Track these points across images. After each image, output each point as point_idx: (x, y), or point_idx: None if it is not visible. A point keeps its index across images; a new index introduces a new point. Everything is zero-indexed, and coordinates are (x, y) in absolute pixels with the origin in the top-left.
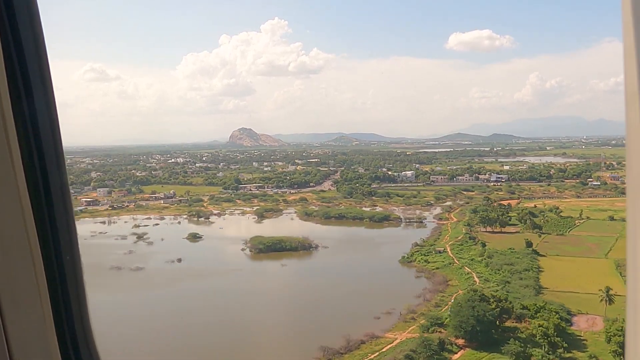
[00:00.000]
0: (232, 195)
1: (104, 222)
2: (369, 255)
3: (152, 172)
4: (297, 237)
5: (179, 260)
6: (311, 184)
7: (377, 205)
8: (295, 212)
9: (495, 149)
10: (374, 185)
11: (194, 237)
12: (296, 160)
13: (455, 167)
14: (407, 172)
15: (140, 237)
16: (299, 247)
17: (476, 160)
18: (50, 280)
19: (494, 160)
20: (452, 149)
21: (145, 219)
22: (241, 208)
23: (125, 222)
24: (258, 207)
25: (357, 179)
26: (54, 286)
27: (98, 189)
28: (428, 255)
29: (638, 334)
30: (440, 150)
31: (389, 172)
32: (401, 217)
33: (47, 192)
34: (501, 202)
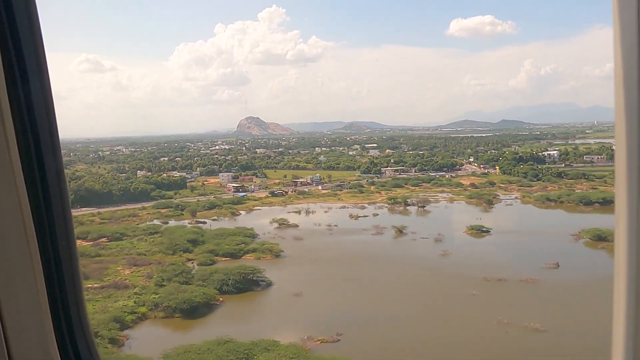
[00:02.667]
0: (391, 180)
1: (298, 212)
2: None
3: (238, 157)
4: None
5: (557, 265)
6: (456, 168)
7: (596, 188)
8: (517, 198)
9: (534, 133)
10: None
11: (480, 231)
12: (365, 145)
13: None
14: (552, 152)
15: (399, 231)
16: None
17: (543, 142)
18: (47, 275)
19: (564, 142)
20: (493, 134)
21: (341, 207)
22: (422, 194)
23: (326, 212)
24: (473, 193)
25: (495, 160)
26: (51, 279)
27: (220, 174)
28: None
29: (624, 330)
30: (466, 135)
31: (534, 152)
32: None
33: (43, 180)
34: None
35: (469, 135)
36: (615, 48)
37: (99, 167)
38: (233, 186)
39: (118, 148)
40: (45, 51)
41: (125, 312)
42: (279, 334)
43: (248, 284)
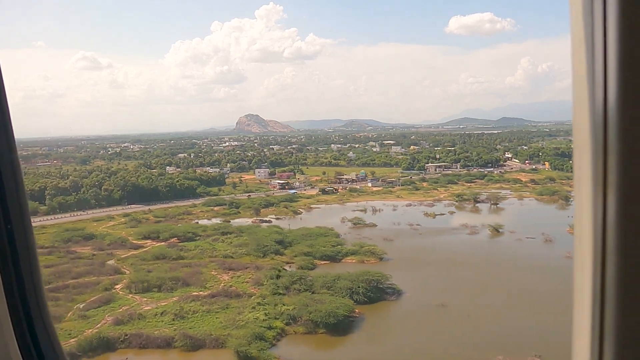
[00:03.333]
0: (442, 177)
1: (363, 210)
2: None
3: (262, 154)
4: None
5: None
6: (500, 164)
7: None
8: None
9: (543, 130)
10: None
11: None
12: (384, 142)
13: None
14: None
15: (496, 230)
16: None
17: (560, 139)
18: (4, 273)
19: None
20: (500, 131)
21: (407, 205)
22: (478, 190)
23: (394, 210)
24: (542, 189)
25: (536, 155)
26: (8, 277)
27: (256, 171)
28: None
29: (583, 332)
30: (480, 132)
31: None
32: None
33: None
34: None
35: (480, 132)
36: (573, 54)
37: (119, 163)
38: (278, 183)
39: (125, 145)
40: None
41: (261, 327)
42: (461, 356)
43: (378, 293)
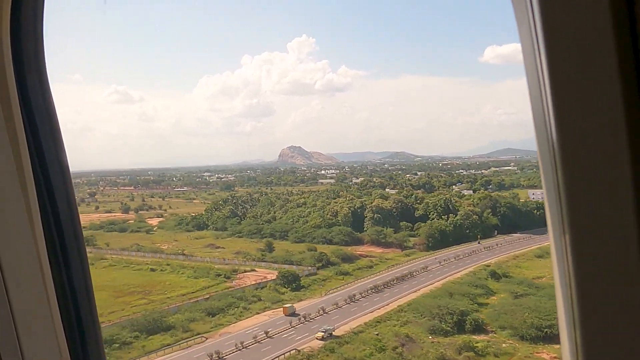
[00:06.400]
0: None
1: None
2: None
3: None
4: None
5: None
6: None
7: None
8: None
9: None
10: None
11: None
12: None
13: None
14: None
15: None
16: None
17: None
18: (61, 294)
19: None
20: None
21: None
22: None
23: None
24: None
25: None
26: (65, 300)
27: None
28: None
29: (570, 336)
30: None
31: None
32: None
33: (53, 204)
34: None
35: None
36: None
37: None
38: None
39: (207, 174)
40: (46, 68)
41: None
42: None
43: None
